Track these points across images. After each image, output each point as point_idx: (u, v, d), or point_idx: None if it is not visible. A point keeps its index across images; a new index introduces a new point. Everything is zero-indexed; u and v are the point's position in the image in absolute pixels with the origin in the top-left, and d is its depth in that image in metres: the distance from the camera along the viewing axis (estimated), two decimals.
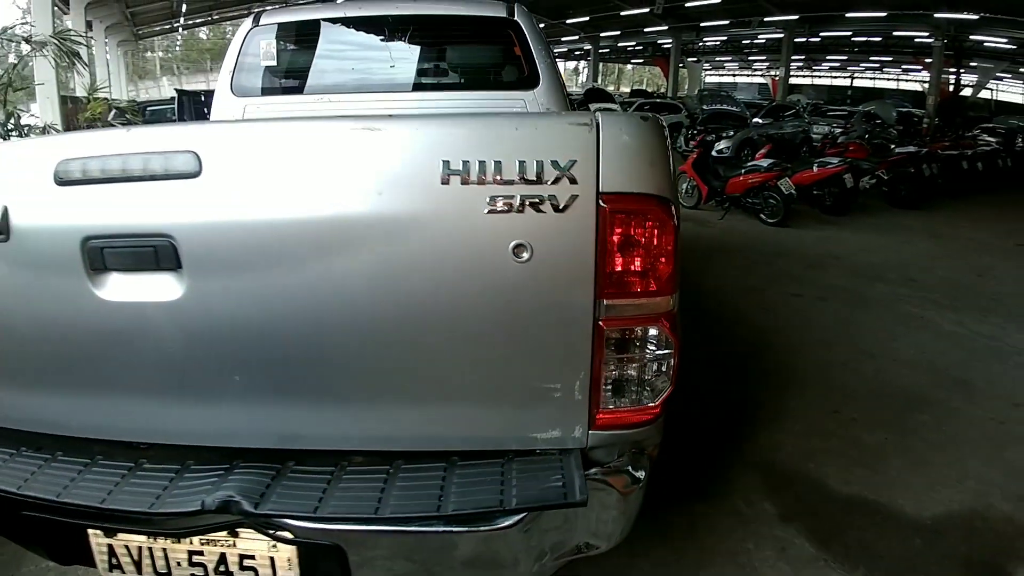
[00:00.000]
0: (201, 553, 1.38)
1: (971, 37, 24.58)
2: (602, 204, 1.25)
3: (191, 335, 1.40)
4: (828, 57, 41.20)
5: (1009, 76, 34.00)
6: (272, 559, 1.37)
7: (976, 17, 19.91)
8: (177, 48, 58.02)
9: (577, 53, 38.99)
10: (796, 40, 26.79)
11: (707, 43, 34.27)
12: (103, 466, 1.45)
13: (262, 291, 1.35)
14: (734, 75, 56.17)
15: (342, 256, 1.31)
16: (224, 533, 1.35)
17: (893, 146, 12.37)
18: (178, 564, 1.39)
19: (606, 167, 1.25)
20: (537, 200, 1.24)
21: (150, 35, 35.23)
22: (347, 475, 1.40)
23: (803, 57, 37.20)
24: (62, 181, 1.34)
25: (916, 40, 26.35)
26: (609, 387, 1.39)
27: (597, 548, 1.47)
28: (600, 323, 1.33)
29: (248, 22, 3.37)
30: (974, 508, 2.75)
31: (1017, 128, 18.43)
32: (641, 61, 49.55)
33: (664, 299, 1.36)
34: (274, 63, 3.31)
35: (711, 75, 53.43)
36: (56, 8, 12.33)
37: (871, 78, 49.15)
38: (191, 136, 1.35)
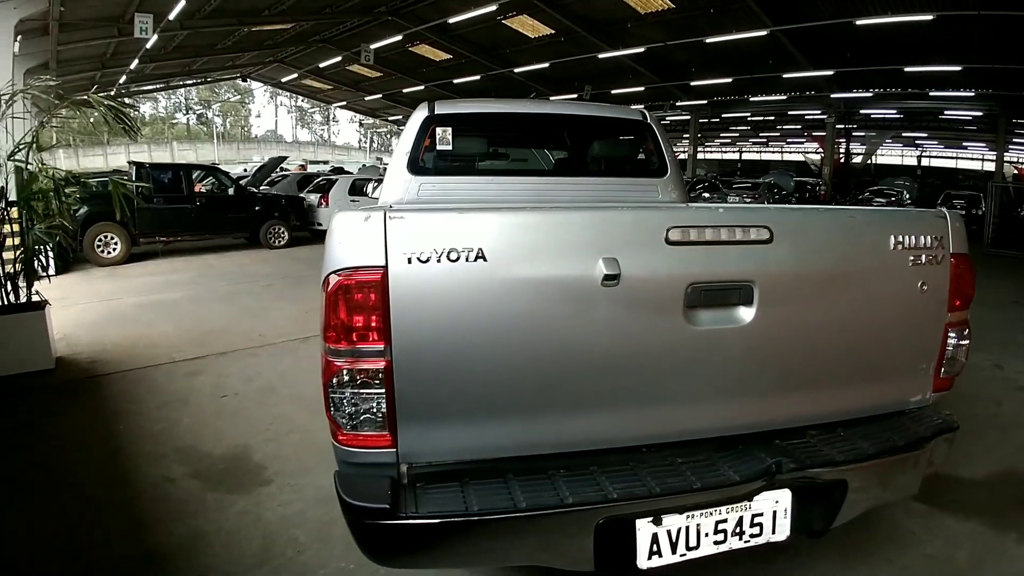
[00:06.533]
0: (725, 520, 1.82)
1: (860, 111, 27.73)
2: (952, 260, 2.13)
3: (749, 349, 1.90)
4: (721, 134, 45.00)
5: (890, 141, 38.38)
6: (774, 512, 1.88)
7: (870, 94, 22.52)
8: (91, 120, 55.88)
9: None
10: (700, 120, 29.40)
11: None
12: (657, 463, 1.88)
13: (798, 314, 1.98)
14: None
15: (846, 291, 2.04)
16: (744, 502, 1.83)
17: None
18: (706, 535, 1.81)
19: (952, 239, 2.14)
20: (931, 258, 2.09)
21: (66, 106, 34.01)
22: (821, 441, 2.03)
23: (699, 136, 40.42)
24: (672, 242, 1.80)
25: (807, 117, 29.34)
26: (943, 365, 2.21)
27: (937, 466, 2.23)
28: (947, 324, 2.17)
29: (424, 110, 3.75)
30: None
31: (905, 189, 20.98)
32: None
33: (967, 310, 2.22)
34: (449, 148, 3.69)
35: None
36: None
37: (758, 151, 53.98)
38: (765, 216, 1.96)
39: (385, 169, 21.85)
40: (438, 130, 3.70)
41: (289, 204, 13.72)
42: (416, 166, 3.68)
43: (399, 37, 22.63)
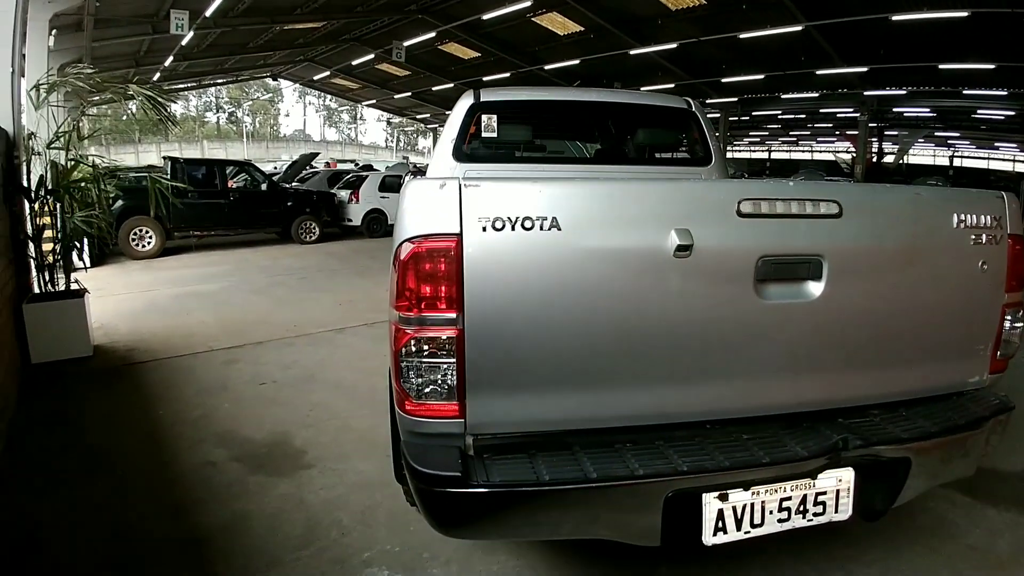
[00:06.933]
0: (789, 498, 1.79)
1: (893, 110, 27.30)
2: (1009, 240, 2.11)
3: (818, 324, 1.88)
4: (751, 132, 44.55)
5: (922, 140, 37.53)
6: (837, 491, 1.87)
7: (903, 92, 22.22)
8: (123, 117, 57.20)
9: None
10: (730, 119, 29.14)
11: None
12: (720, 438, 1.86)
13: (865, 290, 1.95)
14: None
15: (911, 267, 2.02)
16: (808, 479, 1.80)
17: None
18: (770, 512, 1.78)
19: (1010, 220, 2.11)
20: (991, 237, 2.07)
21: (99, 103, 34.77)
22: (884, 419, 2.02)
23: (729, 134, 40.11)
24: (743, 214, 1.79)
25: (839, 115, 28.90)
26: (1000, 347, 2.19)
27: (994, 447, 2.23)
28: (1003, 306, 2.15)
29: (469, 98, 3.77)
30: None
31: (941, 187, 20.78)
32: None
33: (1023, 291, 2.18)
34: (495, 135, 3.70)
35: None
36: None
37: (787, 151, 53.42)
38: (834, 191, 1.95)
39: (413, 167, 22.11)
40: (483, 117, 3.71)
41: (320, 200, 13.84)
42: (461, 153, 3.70)
43: (432, 34, 22.73)
